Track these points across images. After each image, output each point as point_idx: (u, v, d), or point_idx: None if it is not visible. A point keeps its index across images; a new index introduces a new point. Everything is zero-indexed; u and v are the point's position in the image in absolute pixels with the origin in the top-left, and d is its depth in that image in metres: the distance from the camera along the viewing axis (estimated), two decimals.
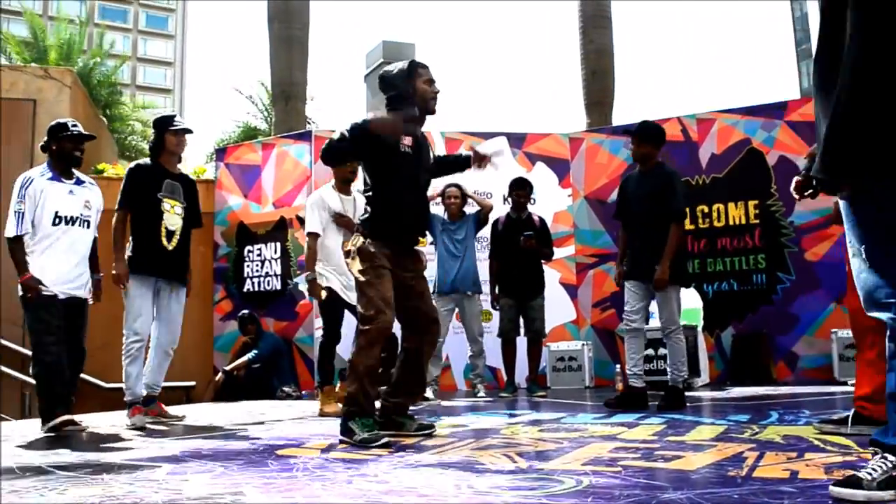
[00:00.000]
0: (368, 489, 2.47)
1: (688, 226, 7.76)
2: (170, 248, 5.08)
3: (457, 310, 6.89)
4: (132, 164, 5.30)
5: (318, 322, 8.13)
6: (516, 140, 8.55)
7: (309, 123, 13.65)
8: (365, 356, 3.70)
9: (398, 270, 3.89)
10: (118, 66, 25.44)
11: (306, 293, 6.42)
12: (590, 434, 3.85)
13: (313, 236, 5.59)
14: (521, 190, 7.10)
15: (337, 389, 5.48)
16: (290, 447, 3.61)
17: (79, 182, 4.99)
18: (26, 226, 4.70)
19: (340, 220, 5.63)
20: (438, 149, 8.34)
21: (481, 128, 8.77)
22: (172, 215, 5.12)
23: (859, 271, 2.22)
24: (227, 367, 8.01)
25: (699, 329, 7.46)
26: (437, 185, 7.26)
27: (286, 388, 7.76)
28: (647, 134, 5.43)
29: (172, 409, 5.62)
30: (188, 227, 5.25)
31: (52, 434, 4.48)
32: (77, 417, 4.80)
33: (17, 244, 4.70)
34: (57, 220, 4.79)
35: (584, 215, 8.53)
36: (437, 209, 6.79)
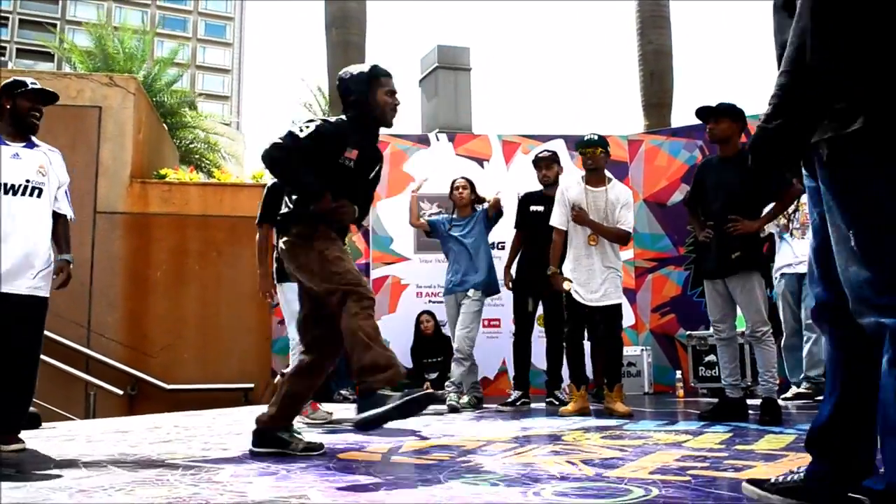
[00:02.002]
0: (434, 494, 2.45)
1: None
2: None
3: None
4: (271, 182, 5.41)
5: None
6: (574, 143, 8.44)
7: None
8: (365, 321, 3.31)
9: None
10: (179, 73, 25.98)
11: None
12: (654, 442, 3.78)
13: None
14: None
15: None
16: (351, 450, 3.61)
17: (31, 146, 4.07)
18: None
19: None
20: (495, 152, 8.31)
21: (538, 130, 8.71)
22: None
23: (846, 264, 1.86)
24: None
25: None
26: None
27: (343, 392, 7.79)
28: (723, 108, 4.83)
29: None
30: None
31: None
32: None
33: None
34: None
35: (644, 218, 8.39)
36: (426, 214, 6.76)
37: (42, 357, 7.56)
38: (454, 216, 6.60)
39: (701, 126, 7.91)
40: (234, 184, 9.68)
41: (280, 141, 3.40)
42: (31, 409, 5.38)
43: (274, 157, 3.41)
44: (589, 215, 5.37)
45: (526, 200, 6.65)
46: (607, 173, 5.63)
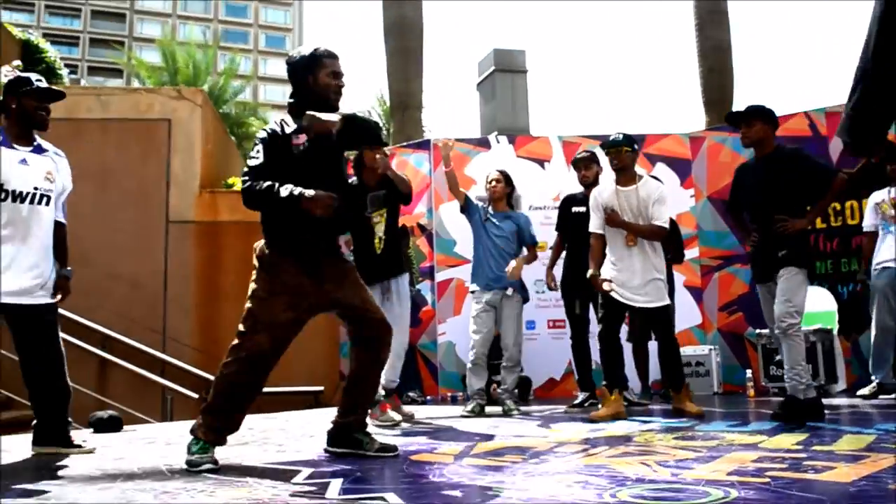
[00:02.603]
0: (509, 497, 2.47)
1: (819, 224, 7.41)
2: (378, 251, 5.36)
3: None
4: None
5: (441, 328, 8.25)
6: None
7: (425, 132, 13.82)
8: (230, 371, 3.35)
9: (313, 285, 3.45)
10: (242, 86, 26.56)
11: None
12: (728, 442, 3.72)
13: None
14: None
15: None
16: (423, 452, 3.65)
17: (39, 150, 3.98)
18: None
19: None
20: (556, 153, 8.29)
21: (599, 130, 8.66)
22: (382, 223, 5.36)
23: None
24: None
25: (835, 332, 7.11)
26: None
27: (411, 394, 7.86)
28: (754, 111, 4.75)
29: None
30: (394, 222, 5.49)
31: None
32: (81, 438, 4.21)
33: None
34: (4, 195, 3.73)
35: (708, 216, 8.27)
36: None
37: (121, 362, 7.93)
38: (489, 209, 6.25)
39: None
40: None
41: (245, 182, 3.37)
42: (113, 412, 5.59)
43: (246, 199, 3.39)
44: (622, 216, 5.27)
45: (567, 202, 6.55)
46: (639, 170, 5.50)
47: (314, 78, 3.54)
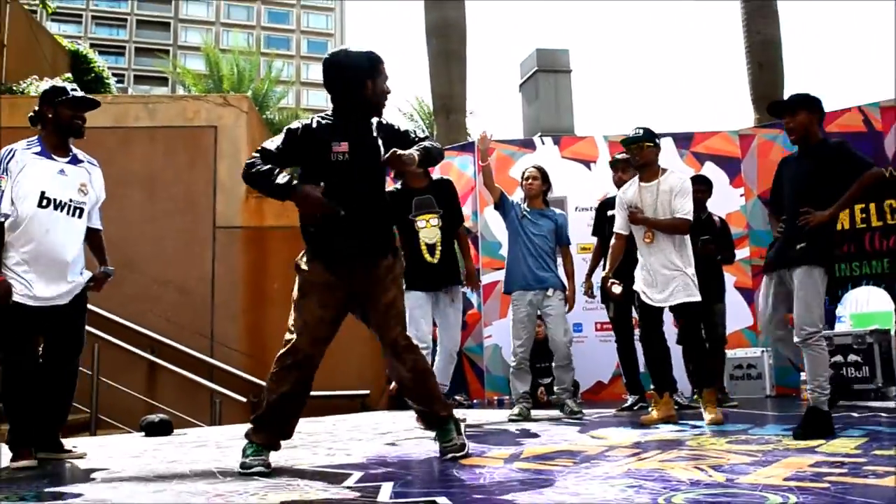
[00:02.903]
0: (562, 500, 2.43)
1: (874, 222, 7.24)
2: (434, 261, 5.25)
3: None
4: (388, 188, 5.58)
5: (487, 331, 8.22)
6: (683, 140, 8.27)
7: (469, 135, 13.82)
8: (278, 381, 3.40)
9: (339, 280, 3.44)
10: (284, 92, 26.89)
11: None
12: (784, 447, 3.64)
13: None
14: (700, 185, 6.50)
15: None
16: (473, 456, 3.62)
17: (75, 161, 4.05)
18: (5, 206, 3.75)
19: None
20: (602, 153, 8.21)
21: None
22: (429, 229, 5.26)
23: None
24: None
25: (892, 333, 6.92)
26: None
27: (457, 397, 7.84)
28: (798, 100, 4.39)
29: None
30: (449, 231, 5.38)
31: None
32: (71, 443, 4.24)
33: None
34: (45, 202, 3.83)
35: (759, 215, 8.11)
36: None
37: (170, 366, 8.03)
38: (525, 206, 6.04)
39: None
40: None
41: (250, 159, 3.43)
42: (163, 416, 5.67)
43: (245, 176, 3.43)
44: (644, 213, 5.11)
45: (604, 206, 6.44)
46: (663, 165, 5.29)
47: (374, 84, 3.50)
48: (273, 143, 3.47)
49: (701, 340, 5.25)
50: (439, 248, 5.28)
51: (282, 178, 3.32)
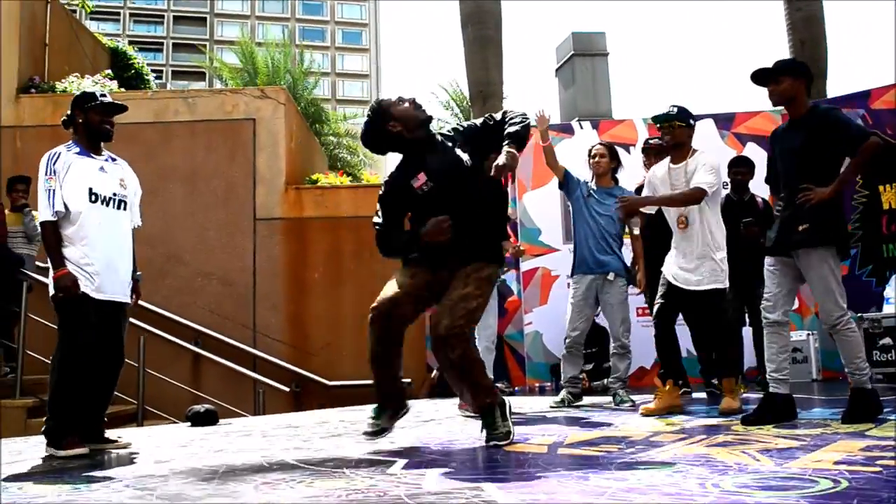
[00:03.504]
0: (608, 486, 2.42)
1: (894, 204, 7.08)
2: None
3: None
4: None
5: (527, 318, 8.19)
6: (724, 121, 8.13)
7: None
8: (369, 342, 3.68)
9: (428, 267, 3.70)
10: (315, 83, 27.03)
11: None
12: (833, 430, 3.58)
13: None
14: (741, 167, 6.42)
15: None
16: (517, 443, 3.61)
17: (110, 159, 4.27)
18: (58, 205, 3.91)
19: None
20: (641, 137, 8.10)
21: None
22: None
23: None
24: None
25: None
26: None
27: (499, 384, 7.82)
28: (782, 66, 4.20)
29: None
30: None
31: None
32: (116, 434, 4.37)
33: (52, 228, 3.94)
34: (93, 198, 4.03)
35: None
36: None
37: (215, 358, 8.15)
38: (592, 184, 5.83)
39: (863, 94, 7.50)
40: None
41: (377, 237, 3.83)
42: (209, 406, 5.75)
43: (380, 249, 3.87)
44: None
45: (640, 191, 6.32)
46: (695, 146, 5.03)
47: (395, 121, 3.73)
48: (377, 217, 3.81)
49: (724, 328, 5.07)
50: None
51: (404, 237, 3.77)
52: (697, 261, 4.83)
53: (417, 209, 3.72)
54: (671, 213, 4.98)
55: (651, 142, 6.25)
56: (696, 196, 4.73)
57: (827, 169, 4.03)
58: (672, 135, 4.91)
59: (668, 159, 5.07)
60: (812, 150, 4.05)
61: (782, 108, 4.31)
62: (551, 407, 5.60)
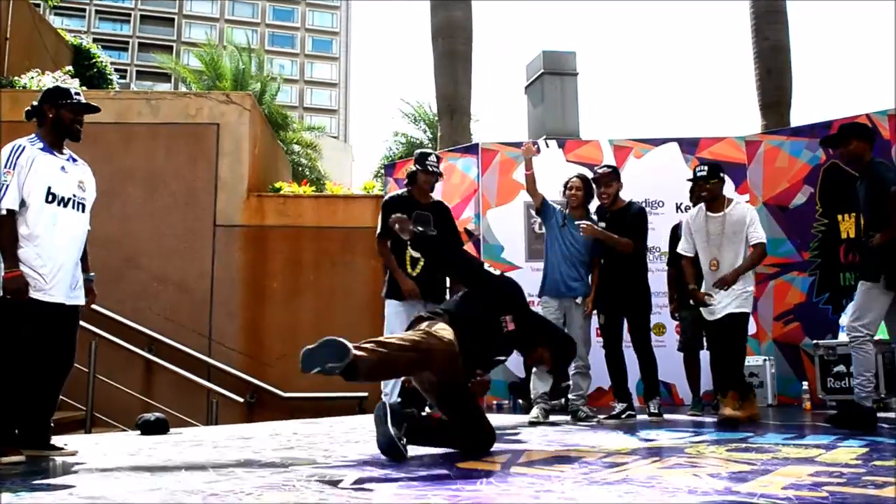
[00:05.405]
0: None
1: None
2: (414, 273, 5.49)
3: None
4: (387, 197, 5.80)
5: None
6: (688, 145, 8.23)
7: (473, 136, 13.79)
8: None
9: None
10: (278, 87, 26.89)
11: None
12: (783, 456, 3.61)
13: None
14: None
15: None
16: (470, 459, 3.59)
17: (71, 159, 4.09)
18: (11, 199, 3.71)
19: None
20: (606, 157, 8.16)
21: (650, 134, 8.53)
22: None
23: None
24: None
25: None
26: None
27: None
28: (848, 130, 5.10)
29: None
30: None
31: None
32: (63, 441, 4.17)
33: (10, 224, 3.72)
34: (50, 198, 3.86)
35: (764, 222, 8.01)
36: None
37: (168, 365, 8.02)
38: (566, 212, 6.15)
39: (824, 124, 7.63)
40: (347, 195, 9.87)
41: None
42: (160, 415, 5.64)
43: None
44: (709, 239, 5.63)
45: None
46: (727, 195, 5.77)
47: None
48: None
49: (744, 350, 5.71)
50: (421, 262, 5.49)
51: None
52: (724, 295, 5.54)
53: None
54: (704, 256, 5.69)
55: (599, 170, 6.41)
56: (760, 252, 5.63)
57: (880, 216, 4.81)
58: (708, 191, 5.66)
59: (702, 206, 5.77)
60: (870, 201, 4.90)
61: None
62: (530, 423, 5.64)
